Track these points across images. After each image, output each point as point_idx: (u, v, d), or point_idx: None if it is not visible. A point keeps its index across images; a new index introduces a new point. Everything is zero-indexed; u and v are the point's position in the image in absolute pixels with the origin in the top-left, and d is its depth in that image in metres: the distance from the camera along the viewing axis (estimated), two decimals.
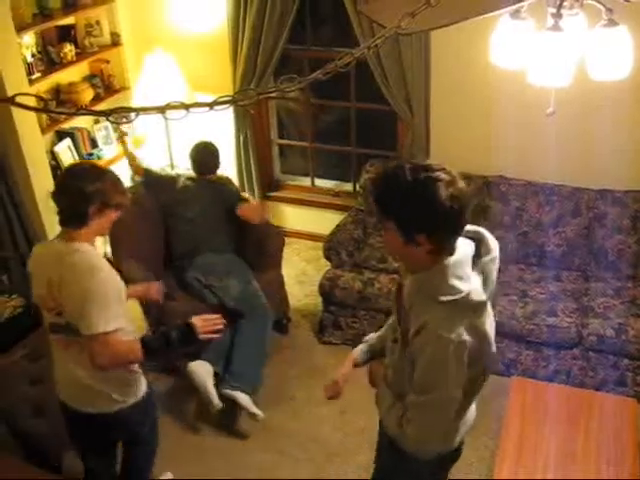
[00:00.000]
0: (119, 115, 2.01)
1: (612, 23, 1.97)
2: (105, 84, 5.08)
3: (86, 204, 2.53)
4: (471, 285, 1.96)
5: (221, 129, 5.09)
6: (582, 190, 4.27)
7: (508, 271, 4.28)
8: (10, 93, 3.73)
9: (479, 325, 1.98)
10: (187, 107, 1.81)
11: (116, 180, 2.66)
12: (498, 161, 4.43)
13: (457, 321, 1.93)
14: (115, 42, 5.03)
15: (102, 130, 5.05)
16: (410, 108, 4.60)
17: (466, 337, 1.92)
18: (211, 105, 1.83)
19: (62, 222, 2.61)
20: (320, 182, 5.50)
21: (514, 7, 2.03)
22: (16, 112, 4.16)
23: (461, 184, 1.89)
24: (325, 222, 4.96)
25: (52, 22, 4.53)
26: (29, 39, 4.41)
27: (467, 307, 1.95)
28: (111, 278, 2.60)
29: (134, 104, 4.90)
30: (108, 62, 5.07)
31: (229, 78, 4.95)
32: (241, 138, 5.14)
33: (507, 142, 4.31)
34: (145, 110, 1.87)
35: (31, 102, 1.92)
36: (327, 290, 4.31)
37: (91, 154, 4.94)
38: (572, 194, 4.27)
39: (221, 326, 2.72)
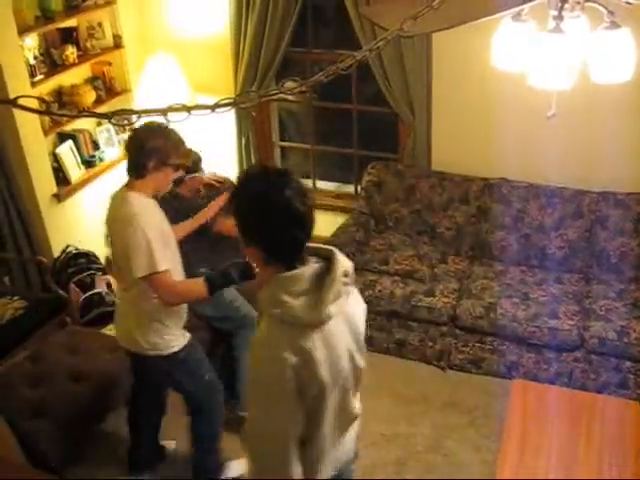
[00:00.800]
0: (121, 117, 2.01)
1: (614, 25, 1.97)
2: (107, 86, 5.09)
3: (145, 158, 2.79)
4: (304, 302, 1.84)
5: (223, 131, 5.10)
6: (584, 192, 4.27)
7: (510, 273, 4.29)
8: (12, 95, 3.74)
9: (307, 347, 1.83)
10: (189, 109, 1.81)
11: (178, 142, 2.90)
12: (500, 163, 4.43)
13: (279, 338, 1.84)
14: (117, 44, 5.03)
15: (104, 132, 5.05)
16: (412, 110, 4.60)
17: (287, 355, 1.80)
18: (213, 107, 1.84)
19: (127, 170, 2.89)
20: (322, 184, 5.50)
21: (516, 9, 2.03)
22: (18, 114, 4.17)
23: (305, 200, 1.85)
24: (326, 224, 4.96)
25: (54, 24, 4.53)
26: (31, 41, 4.41)
27: (294, 325, 1.84)
28: (153, 224, 2.82)
29: (136, 106, 4.91)
30: (110, 64, 5.08)
31: (231, 80, 4.95)
32: (243, 140, 5.14)
33: (509, 144, 4.30)
34: (147, 112, 1.88)
35: (33, 104, 1.93)
36: None
37: (93, 156, 4.94)
38: (574, 196, 4.27)
39: None
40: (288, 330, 1.84)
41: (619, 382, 3.84)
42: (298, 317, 1.83)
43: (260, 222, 1.86)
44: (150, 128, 2.88)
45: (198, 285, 2.83)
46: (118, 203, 2.85)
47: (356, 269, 4.59)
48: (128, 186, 2.88)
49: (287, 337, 1.84)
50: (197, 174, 3.90)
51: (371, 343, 4.33)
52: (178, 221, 3.68)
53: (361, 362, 2.10)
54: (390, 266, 4.27)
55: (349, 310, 2.02)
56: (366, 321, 4.48)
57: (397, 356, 4.31)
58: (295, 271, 1.87)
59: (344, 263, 1.96)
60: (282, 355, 1.81)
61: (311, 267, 1.90)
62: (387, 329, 4.26)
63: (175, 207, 3.77)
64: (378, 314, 4.23)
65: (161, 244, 2.80)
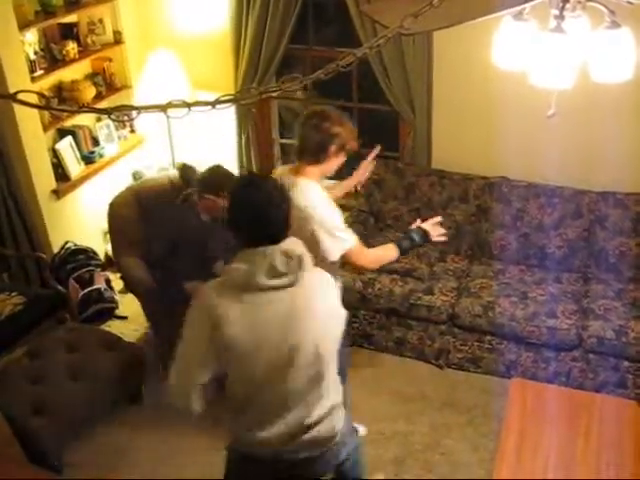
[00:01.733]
0: (121, 113, 2.01)
1: (615, 25, 1.97)
2: (107, 82, 5.08)
3: (329, 142, 2.84)
4: (244, 268, 2.11)
5: (223, 128, 5.09)
6: (584, 192, 4.27)
7: (509, 272, 4.29)
8: (12, 90, 3.73)
9: (224, 303, 2.11)
10: (189, 106, 1.81)
11: (353, 128, 3.01)
12: (500, 162, 4.43)
13: (211, 289, 2.16)
14: (117, 40, 5.03)
15: (104, 128, 5.05)
16: (412, 109, 4.60)
17: (209, 304, 2.12)
18: (213, 104, 1.83)
19: (300, 155, 2.91)
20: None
21: (517, 8, 2.03)
22: (18, 109, 4.17)
23: (276, 202, 2.16)
24: None
25: (55, 20, 4.53)
26: (32, 36, 4.41)
27: (227, 284, 2.14)
28: (328, 209, 2.87)
29: (136, 102, 4.91)
30: (110, 60, 5.07)
31: (231, 77, 4.95)
32: (243, 137, 5.14)
33: (509, 143, 4.30)
34: (147, 108, 1.87)
35: (33, 99, 1.93)
36: None
37: (93, 152, 4.94)
38: (573, 196, 4.27)
39: (444, 230, 3.10)
40: (221, 287, 2.15)
41: (617, 381, 3.84)
42: (232, 278, 2.14)
43: (238, 217, 2.20)
44: (327, 113, 2.92)
45: (390, 249, 3.01)
46: (292, 192, 2.80)
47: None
48: (296, 173, 2.89)
49: (215, 292, 2.15)
50: (191, 189, 3.93)
51: (370, 341, 4.34)
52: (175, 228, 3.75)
53: (304, 350, 2.17)
54: (389, 265, 4.27)
55: (299, 294, 2.16)
56: (364, 319, 4.46)
57: (396, 354, 4.31)
58: (255, 248, 2.13)
59: (289, 246, 2.16)
60: (205, 303, 2.14)
61: (268, 247, 2.13)
62: (386, 327, 4.26)
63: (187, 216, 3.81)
64: (377, 312, 4.23)
65: (338, 219, 2.88)
